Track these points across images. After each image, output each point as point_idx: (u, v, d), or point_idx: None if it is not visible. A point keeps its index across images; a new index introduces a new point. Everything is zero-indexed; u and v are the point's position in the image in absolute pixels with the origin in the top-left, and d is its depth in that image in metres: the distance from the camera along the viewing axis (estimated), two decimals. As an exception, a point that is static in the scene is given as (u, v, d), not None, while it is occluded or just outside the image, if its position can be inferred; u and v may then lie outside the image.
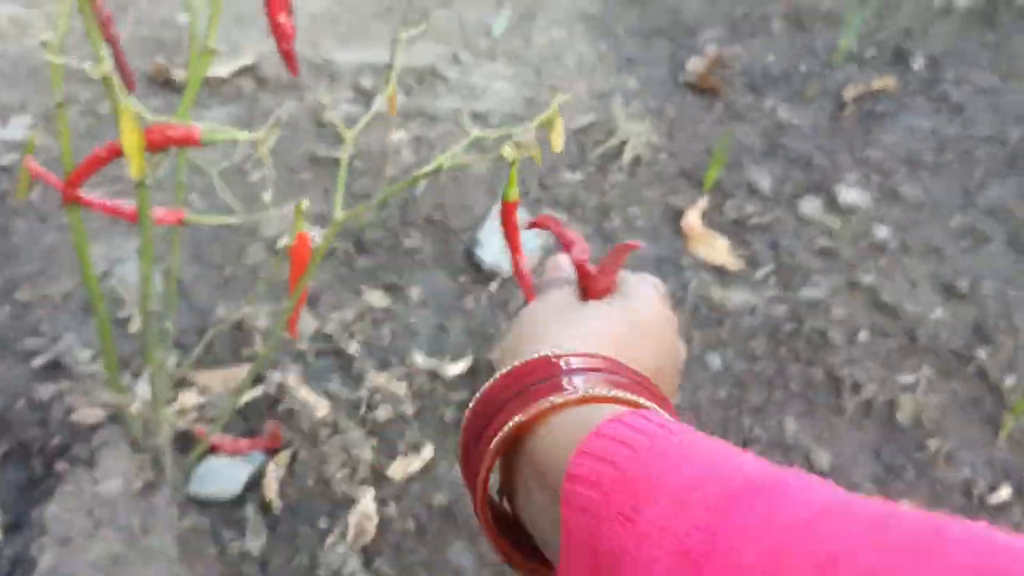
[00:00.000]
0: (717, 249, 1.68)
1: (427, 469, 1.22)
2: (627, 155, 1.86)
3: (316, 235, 1.55)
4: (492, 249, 1.58)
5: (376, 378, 1.29)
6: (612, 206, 1.76)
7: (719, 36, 2.39)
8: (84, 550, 0.97)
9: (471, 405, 0.52)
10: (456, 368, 1.34)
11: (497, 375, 0.51)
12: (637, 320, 0.56)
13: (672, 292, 1.58)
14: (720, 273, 1.63)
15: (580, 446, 0.41)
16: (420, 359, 1.35)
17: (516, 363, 0.50)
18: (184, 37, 1.99)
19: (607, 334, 0.54)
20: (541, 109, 0.94)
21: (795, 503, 0.33)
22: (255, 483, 1.14)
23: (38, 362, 1.24)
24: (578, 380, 0.48)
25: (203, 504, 1.11)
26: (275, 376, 1.25)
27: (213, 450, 1.14)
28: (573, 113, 2.00)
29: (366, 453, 1.19)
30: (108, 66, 0.76)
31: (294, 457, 1.16)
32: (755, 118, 2.08)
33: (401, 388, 1.29)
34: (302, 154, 1.74)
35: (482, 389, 0.51)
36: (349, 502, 1.13)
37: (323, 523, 1.11)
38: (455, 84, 2.02)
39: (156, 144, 0.80)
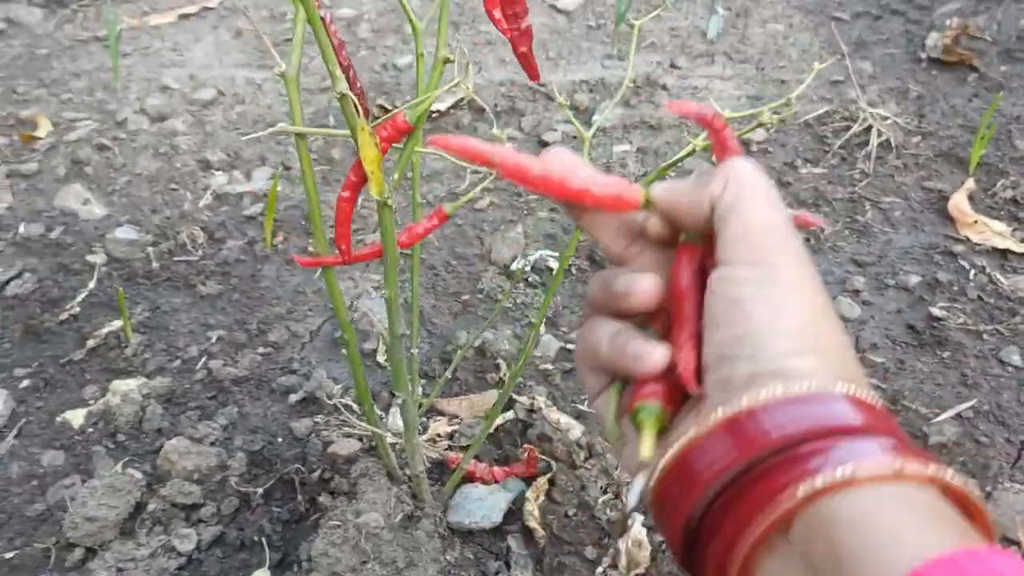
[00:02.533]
0: (996, 232, 1.48)
1: (693, 491, 1.11)
2: (874, 141, 1.69)
3: (548, 256, 1.50)
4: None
5: (628, 396, 1.21)
6: (863, 197, 1.59)
7: (960, 8, 2.16)
8: (352, 584, 0.94)
9: (696, 439, 0.41)
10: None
11: (755, 403, 0.40)
12: (818, 290, 0.44)
13: (950, 282, 1.39)
14: (1004, 257, 1.43)
15: (938, 560, 0.33)
16: (672, 374, 1.25)
17: (780, 389, 0.40)
18: (402, 79, 2.03)
19: (805, 331, 0.42)
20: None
21: None
22: (514, 511, 1.08)
23: (294, 398, 1.25)
24: (864, 446, 0.38)
25: (464, 535, 1.06)
26: (523, 400, 1.20)
27: (469, 478, 1.10)
28: (804, 104, 1.85)
29: (627, 475, 1.10)
30: (345, 86, 0.73)
31: (552, 482, 1.09)
32: (1017, 86, 1.84)
33: (656, 405, 1.20)
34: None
35: (722, 417, 0.41)
36: (617, 529, 1.05)
37: (590, 552, 1.03)
38: (675, 90, 1.93)
39: (388, 139, 0.78)
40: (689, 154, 0.77)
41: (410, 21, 0.91)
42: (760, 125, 0.76)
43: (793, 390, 0.40)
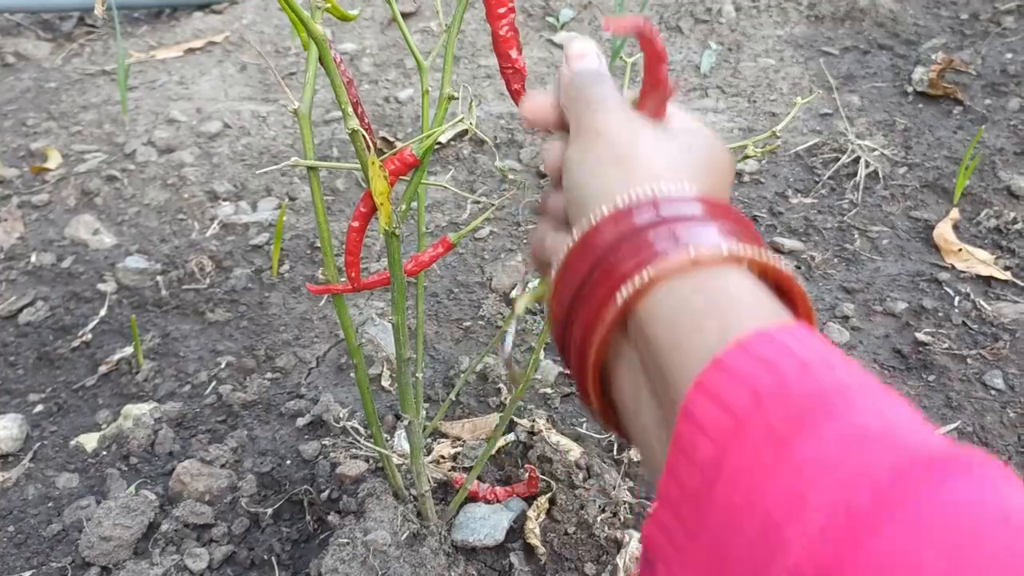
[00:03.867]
0: (980, 260, 1.53)
1: (689, 511, 1.15)
2: (862, 172, 1.75)
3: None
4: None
5: (625, 419, 1.25)
6: (852, 226, 1.65)
7: (945, 43, 2.23)
8: (361, 600, 0.97)
9: (566, 253, 0.44)
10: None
11: (598, 217, 0.43)
12: (707, 150, 0.47)
13: (935, 308, 1.44)
14: (988, 284, 1.48)
15: (740, 339, 0.35)
16: (668, 397, 1.29)
17: (619, 200, 0.42)
18: (403, 112, 2.09)
19: (688, 166, 0.45)
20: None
21: (993, 498, 0.28)
22: (516, 530, 1.12)
23: (301, 422, 1.29)
24: (704, 231, 0.40)
25: (468, 552, 1.09)
26: (524, 422, 1.24)
27: (472, 498, 1.13)
28: (795, 136, 1.91)
29: (624, 495, 1.14)
30: (355, 122, 0.78)
31: (552, 502, 1.13)
32: (1000, 119, 1.90)
33: (652, 428, 1.24)
34: (526, 205, 1.75)
35: (580, 233, 0.43)
36: (614, 546, 1.08)
37: (590, 568, 1.07)
38: (668, 123, 1.99)
39: (395, 172, 0.82)
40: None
41: (415, 58, 0.96)
42: (747, 157, 0.81)
43: (626, 201, 0.43)
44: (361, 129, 0.79)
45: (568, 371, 0.46)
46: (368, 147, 0.82)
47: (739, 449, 0.32)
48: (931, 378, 1.32)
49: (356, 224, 0.87)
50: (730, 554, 0.31)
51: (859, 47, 2.25)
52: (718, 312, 0.37)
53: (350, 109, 0.79)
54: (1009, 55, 2.13)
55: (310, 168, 0.90)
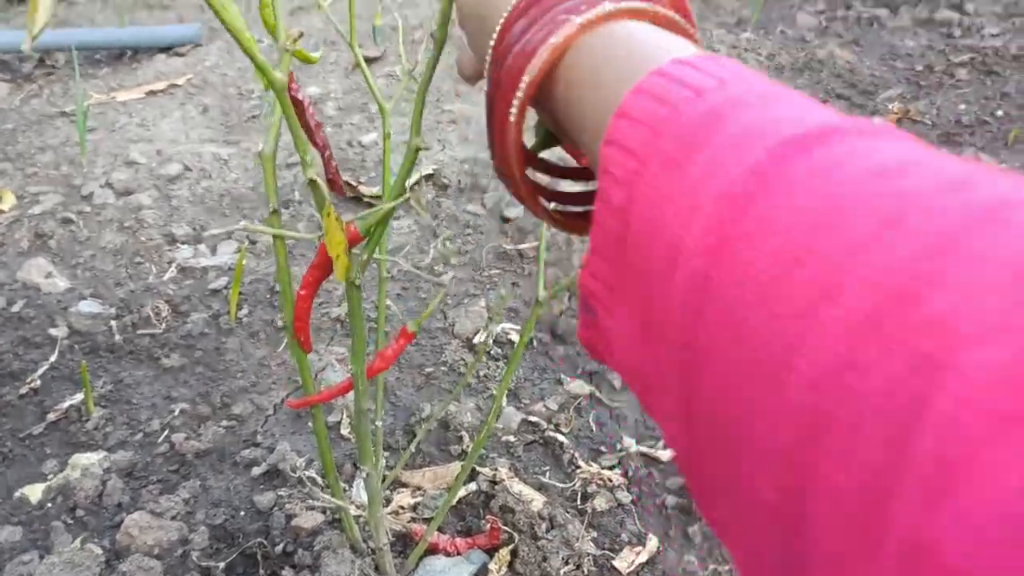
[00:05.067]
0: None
1: (653, 561, 1.13)
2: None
3: (510, 328, 1.53)
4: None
5: (589, 467, 1.23)
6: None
7: (901, 93, 2.27)
8: (315, 659, 0.94)
9: (492, 41, 0.46)
10: (670, 451, 1.26)
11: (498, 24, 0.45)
12: None
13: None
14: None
15: (637, 83, 0.36)
16: (632, 444, 1.27)
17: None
18: (367, 156, 2.08)
19: None
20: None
21: (867, 154, 0.28)
22: (477, 583, 1.09)
23: (257, 471, 1.25)
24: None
25: (427, 608, 1.06)
26: (486, 471, 1.21)
27: (432, 550, 1.10)
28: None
29: (588, 546, 1.11)
30: (313, 171, 0.77)
31: (514, 554, 1.11)
32: (956, 168, 1.93)
33: (616, 476, 1.22)
34: (489, 251, 1.74)
35: (500, 20, 0.45)
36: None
37: (553, 623, 1.04)
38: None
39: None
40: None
41: (377, 102, 0.95)
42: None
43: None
44: (318, 179, 0.77)
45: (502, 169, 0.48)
46: (325, 197, 0.81)
47: (642, 184, 0.34)
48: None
49: (304, 292, 0.84)
50: (650, 279, 0.33)
51: (818, 96, 2.29)
52: (615, 64, 0.39)
53: (308, 157, 0.77)
54: (963, 106, 2.18)
55: (273, 212, 0.89)
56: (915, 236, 0.24)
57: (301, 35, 0.82)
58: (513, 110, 0.43)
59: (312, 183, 0.76)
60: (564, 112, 0.43)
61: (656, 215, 0.32)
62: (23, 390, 1.40)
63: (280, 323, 1.55)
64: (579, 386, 1.41)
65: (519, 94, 0.43)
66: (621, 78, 0.37)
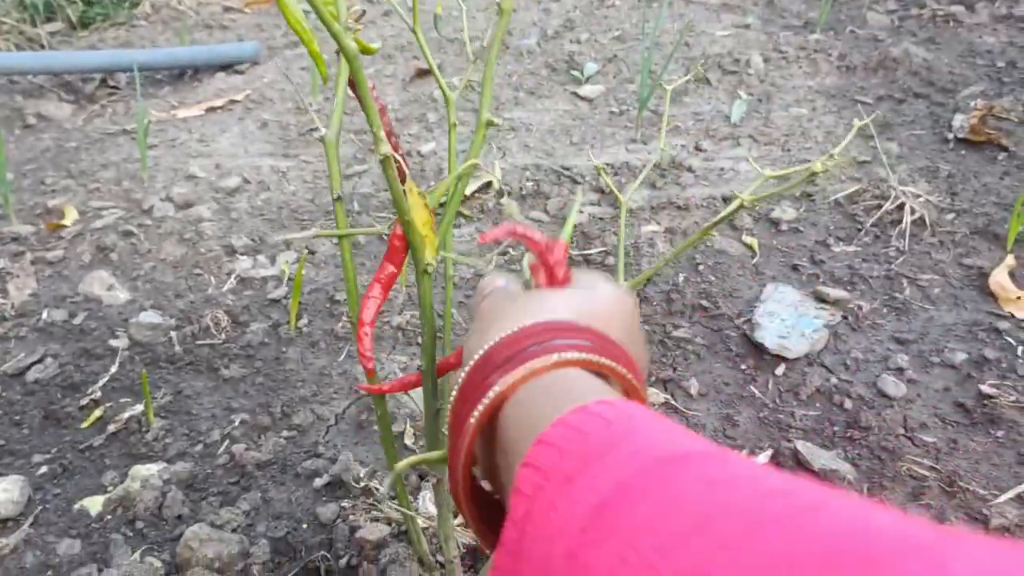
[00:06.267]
0: (1041, 307, 1.43)
1: None
2: (907, 219, 1.66)
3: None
4: (772, 331, 1.42)
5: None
6: (901, 274, 1.56)
7: (983, 90, 2.16)
8: None
9: (459, 382, 0.51)
10: (758, 460, 1.18)
11: (480, 351, 0.51)
12: (599, 300, 0.56)
13: (998, 359, 1.34)
14: (1052, 333, 1.38)
15: (559, 417, 0.42)
16: (714, 454, 1.19)
17: (493, 340, 0.51)
18: (425, 166, 2.04)
19: (573, 309, 0.53)
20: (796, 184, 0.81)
21: (694, 479, 0.34)
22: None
23: (319, 483, 1.20)
24: (557, 344, 0.49)
25: (500, 626, 0.99)
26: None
27: (504, 565, 1.03)
28: (833, 183, 1.83)
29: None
30: (387, 147, 0.71)
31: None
32: (1049, 164, 1.82)
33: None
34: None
35: (467, 367, 0.51)
36: None
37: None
38: (701, 172, 1.92)
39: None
40: (737, 208, 0.74)
41: (443, 91, 0.90)
42: (815, 173, 0.74)
43: (520, 327, 0.51)
44: (395, 155, 0.72)
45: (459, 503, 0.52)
46: (406, 173, 0.76)
47: (541, 498, 0.38)
48: (999, 433, 1.22)
49: (376, 295, 0.79)
50: None
51: (894, 96, 2.19)
52: (551, 402, 0.44)
53: (382, 133, 0.72)
54: (1051, 101, 2.06)
55: (336, 200, 0.84)
56: (713, 537, 0.30)
57: (363, 13, 0.78)
58: (472, 420, 0.48)
59: (385, 160, 0.70)
60: (502, 440, 0.47)
61: (544, 524, 0.37)
62: (84, 401, 1.38)
63: (343, 328, 1.51)
64: (653, 394, 1.34)
65: (480, 407, 0.48)
66: (554, 412, 0.42)
